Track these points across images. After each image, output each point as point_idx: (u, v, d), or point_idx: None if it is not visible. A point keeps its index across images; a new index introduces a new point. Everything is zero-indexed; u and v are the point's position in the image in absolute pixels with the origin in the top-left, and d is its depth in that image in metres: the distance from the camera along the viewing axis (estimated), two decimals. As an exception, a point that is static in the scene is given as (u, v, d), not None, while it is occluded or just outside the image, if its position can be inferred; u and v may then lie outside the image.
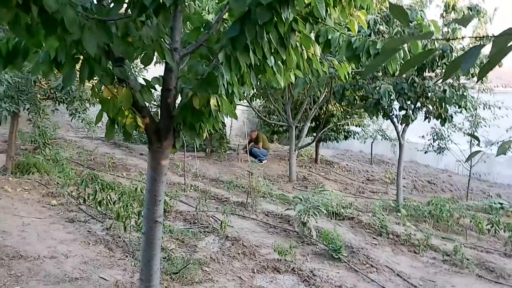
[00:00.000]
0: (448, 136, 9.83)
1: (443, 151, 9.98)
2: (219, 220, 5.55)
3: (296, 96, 9.52)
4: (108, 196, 5.40)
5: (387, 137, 14.21)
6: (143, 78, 2.93)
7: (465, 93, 6.38)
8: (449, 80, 6.93)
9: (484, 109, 9.09)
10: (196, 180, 8.14)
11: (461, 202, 8.23)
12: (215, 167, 9.94)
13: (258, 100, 11.65)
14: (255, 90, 10.41)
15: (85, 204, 5.81)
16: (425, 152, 10.34)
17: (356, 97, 7.50)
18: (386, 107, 7.26)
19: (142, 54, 2.63)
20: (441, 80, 7.05)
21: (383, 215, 6.84)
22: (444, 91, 6.41)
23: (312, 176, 10.33)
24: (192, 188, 7.60)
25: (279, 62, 3.39)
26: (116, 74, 2.57)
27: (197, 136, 2.88)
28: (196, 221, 5.53)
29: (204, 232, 5.17)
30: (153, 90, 2.79)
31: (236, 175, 9.10)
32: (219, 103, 2.69)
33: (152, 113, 2.92)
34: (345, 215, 6.39)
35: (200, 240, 4.89)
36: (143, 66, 2.69)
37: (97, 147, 10.36)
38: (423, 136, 10.22)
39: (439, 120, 7.38)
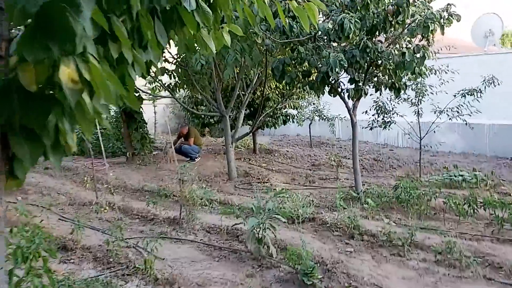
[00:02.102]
0: (393, 108, 9.06)
1: (389, 126, 9.20)
2: (145, 250, 4.08)
3: (227, 79, 8.13)
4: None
5: (325, 117, 13.43)
6: None
7: (426, 55, 5.43)
8: (403, 43, 5.97)
9: (429, 75, 8.39)
10: (114, 194, 6.48)
11: (422, 179, 7.47)
12: (138, 174, 8.29)
13: (182, 90, 10.08)
14: (176, 78, 8.85)
15: None
16: (371, 129, 9.50)
17: (299, 73, 6.29)
18: (334, 82, 6.16)
19: None
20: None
21: (345, 208, 5.79)
22: (403, 54, 5.39)
23: (253, 169, 9.07)
24: (109, 206, 5.96)
25: (204, 4, 2.02)
26: None
27: (52, 149, 1.39)
28: (111, 259, 3.99)
29: (123, 276, 3.66)
30: None
31: (166, 181, 7.56)
32: (86, 75, 1.24)
33: None
34: (305, 217, 5.19)
35: (117, 292, 3.38)
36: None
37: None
38: (366, 112, 9.35)
39: (393, 90, 6.43)
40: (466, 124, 8.60)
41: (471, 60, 11.39)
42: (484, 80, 7.94)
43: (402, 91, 6.44)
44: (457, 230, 5.02)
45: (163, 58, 8.30)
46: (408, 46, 5.68)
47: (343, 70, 5.92)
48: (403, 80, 6.34)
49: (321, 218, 5.24)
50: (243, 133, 9.54)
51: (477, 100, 7.83)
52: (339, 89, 6.38)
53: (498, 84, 7.75)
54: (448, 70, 8.16)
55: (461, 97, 8.09)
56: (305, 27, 2.24)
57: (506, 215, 4.83)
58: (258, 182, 7.88)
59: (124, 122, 9.45)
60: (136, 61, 1.74)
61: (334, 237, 4.74)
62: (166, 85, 9.29)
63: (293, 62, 6.04)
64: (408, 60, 5.35)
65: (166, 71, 8.44)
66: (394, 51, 5.57)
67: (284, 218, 4.14)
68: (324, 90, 6.45)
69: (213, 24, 2.25)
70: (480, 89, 7.89)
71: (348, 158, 10.98)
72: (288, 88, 9.41)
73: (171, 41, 2.31)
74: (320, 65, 5.78)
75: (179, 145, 9.74)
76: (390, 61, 5.76)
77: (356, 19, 4.82)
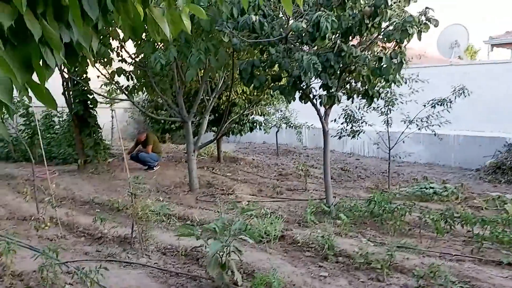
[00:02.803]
0: (362, 117, 8.80)
1: (357, 135, 8.92)
2: (87, 277, 3.44)
3: (189, 82, 7.56)
4: None
5: (292, 125, 13.10)
6: None
7: (403, 60, 5.11)
8: (377, 48, 5.65)
9: (402, 84, 8.18)
10: (58, 207, 5.73)
11: (393, 191, 7.18)
12: (90, 184, 7.53)
13: (140, 93, 9.38)
14: (134, 79, 8.17)
15: None
16: (339, 138, 9.18)
17: (268, 77, 5.83)
18: (306, 87, 5.75)
19: None
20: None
21: (316, 223, 5.37)
22: (379, 59, 5.05)
23: (217, 179, 8.51)
24: (52, 221, 5.22)
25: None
26: None
27: None
28: (44, 290, 3.32)
29: (55, 314, 3.02)
30: None
31: (120, 193, 6.86)
32: None
33: None
34: (274, 235, 4.69)
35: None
36: None
37: None
38: (335, 120, 9.03)
39: (366, 98, 6.10)
40: (434, 134, 8.46)
41: (438, 71, 11.40)
42: (454, 91, 7.81)
43: (375, 99, 6.12)
44: (435, 248, 4.68)
45: (120, 58, 7.62)
46: (384, 52, 5.35)
47: (316, 75, 5.52)
48: (376, 87, 6.02)
49: (291, 236, 4.76)
50: (207, 140, 8.96)
51: (447, 110, 7.70)
52: (311, 95, 5.98)
53: (468, 94, 7.65)
54: (418, 80, 7.98)
55: (431, 107, 7.95)
56: (287, 9, 1.76)
57: (487, 233, 4.55)
58: (222, 194, 7.34)
59: (75, 126, 8.64)
60: (48, 38, 1.18)
61: (306, 259, 4.26)
62: (123, 88, 8.58)
63: (263, 64, 5.59)
64: (385, 66, 5.01)
65: (123, 72, 7.76)
66: (370, 56, 5.21)
67: (252, 239, 3.63)
68: (295, 96, 6.04)
69: (167, 1, 1.74)
70: (450, 100, 7.77)
71: (316, 168, 10.65)
72: (256, 93, 8.96)
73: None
74: (291, 69, 5.35)
75: (136, 153, 9.03)
76: (365, 67, 5.43)
77: (333, 18, 4.42)
